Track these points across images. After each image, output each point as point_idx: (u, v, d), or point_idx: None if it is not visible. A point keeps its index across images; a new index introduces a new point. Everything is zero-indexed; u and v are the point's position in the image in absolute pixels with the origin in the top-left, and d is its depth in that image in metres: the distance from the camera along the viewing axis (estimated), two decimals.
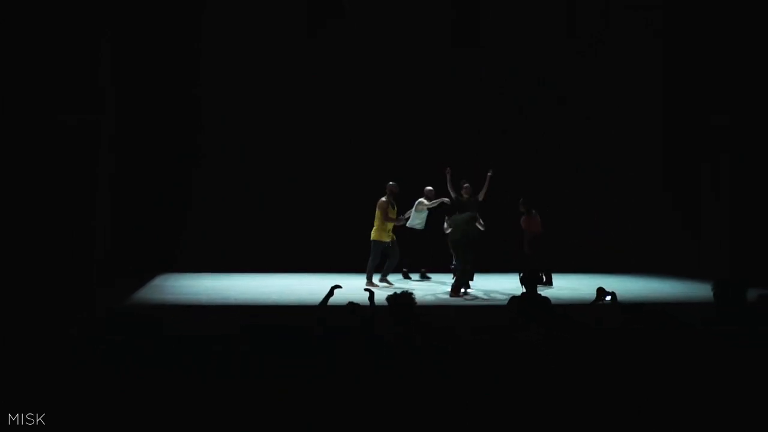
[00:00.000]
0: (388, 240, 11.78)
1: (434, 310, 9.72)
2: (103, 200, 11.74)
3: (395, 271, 12.28)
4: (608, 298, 6.04)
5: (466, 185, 12.09)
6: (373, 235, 11.74)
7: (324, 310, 5.95)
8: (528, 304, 6.27)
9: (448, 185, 12.28)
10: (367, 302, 6.06)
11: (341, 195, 14.25)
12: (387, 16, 14.64)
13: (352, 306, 5.80)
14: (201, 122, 14.39)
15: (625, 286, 11.65)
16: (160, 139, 13.98)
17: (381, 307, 5.84)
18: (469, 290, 11.11)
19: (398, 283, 12.01)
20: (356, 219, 12.58)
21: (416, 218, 12.27)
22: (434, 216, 12.38)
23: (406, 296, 5.71)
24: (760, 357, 5.03)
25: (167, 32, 13.81)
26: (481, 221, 11.15)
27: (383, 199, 11.79)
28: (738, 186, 13.69)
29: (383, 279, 11.79)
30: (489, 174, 12.15)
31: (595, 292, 6.24)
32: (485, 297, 10.91)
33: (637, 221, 15.21)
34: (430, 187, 12.27)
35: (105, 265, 11.50)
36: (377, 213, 11.71)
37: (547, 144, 15.29)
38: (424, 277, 12.87)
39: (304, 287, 11.47)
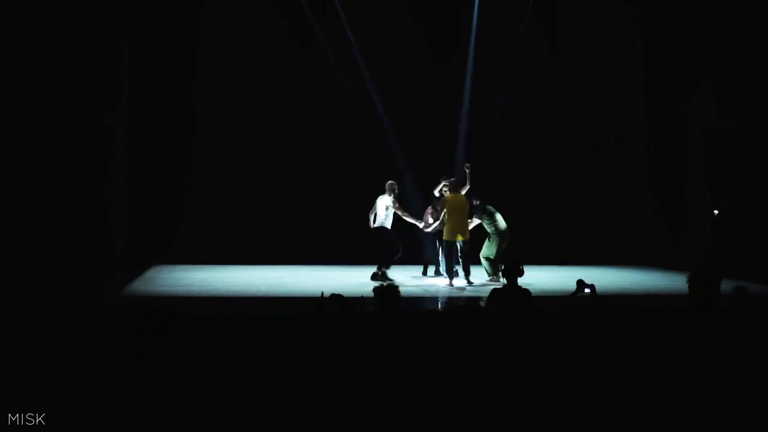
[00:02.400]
0: None
1: (423, 301, 9.90)
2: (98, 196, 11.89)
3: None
4: (587, 290, 6.17)
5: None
6: (449, 235, 11.11)
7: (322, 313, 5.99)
8: (509, 295, 6.39)
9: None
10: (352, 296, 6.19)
11: (332, 190, 14.40)
12: (380, 19, 14.82)
13: (338, 299, 5.88)
14: (195, 119, 14.47)
15: (608, 278, 12.05)
16: (154, 134, 14.05)
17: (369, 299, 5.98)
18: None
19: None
20: (348, 213, 12.65)
21: (390, 216, 11.99)
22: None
23: (393, 288, 5.87)
24: (734, 347, 5.22)
25: (166, 34, 13.94)
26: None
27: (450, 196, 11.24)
28: (718, 183, 13.91)
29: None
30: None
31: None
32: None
33: (628, 216, 15.46)
34: (392, 181, 11.96)
35: (100, 258, 11.65)
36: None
37: (545, 143, 15.66)
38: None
39: (294, 279, 11.69)
